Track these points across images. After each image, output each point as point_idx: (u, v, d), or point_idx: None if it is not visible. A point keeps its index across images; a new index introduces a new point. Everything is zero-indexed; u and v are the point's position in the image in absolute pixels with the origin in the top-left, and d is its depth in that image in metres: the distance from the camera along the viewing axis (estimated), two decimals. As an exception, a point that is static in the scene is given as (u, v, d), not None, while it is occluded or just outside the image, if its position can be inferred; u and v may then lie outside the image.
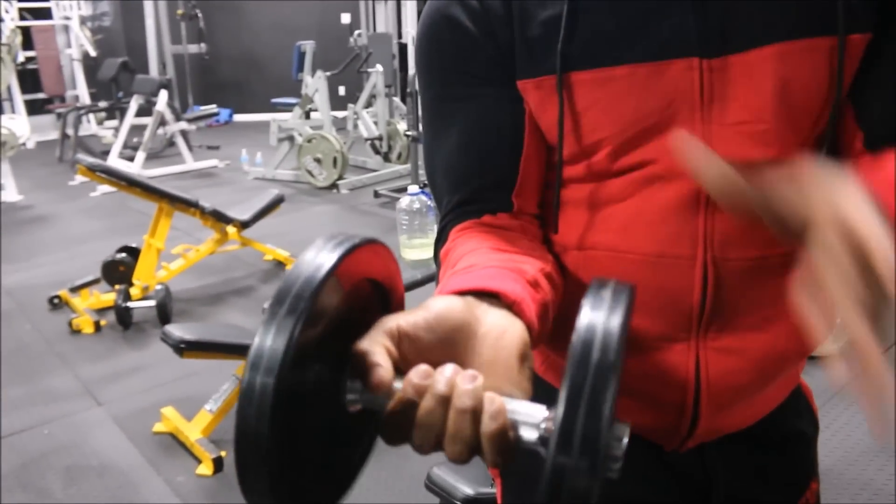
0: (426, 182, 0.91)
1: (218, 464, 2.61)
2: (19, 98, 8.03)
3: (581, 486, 0.40)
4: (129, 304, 3.85)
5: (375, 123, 7.50)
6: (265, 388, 0.42)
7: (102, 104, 8.99)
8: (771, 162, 0.63)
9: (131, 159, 7.47)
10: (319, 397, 0.49)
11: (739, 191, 0.64)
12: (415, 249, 4.64)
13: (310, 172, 6.91)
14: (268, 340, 0.43)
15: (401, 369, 0.51)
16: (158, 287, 3.92)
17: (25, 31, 8.99)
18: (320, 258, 0.47)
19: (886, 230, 0.54)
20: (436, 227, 0.86)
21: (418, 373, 0.50)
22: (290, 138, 7.27)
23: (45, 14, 9.87)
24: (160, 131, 8.03)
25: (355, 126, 7.69)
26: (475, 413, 0.49)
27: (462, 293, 0.59)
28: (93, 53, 9.60)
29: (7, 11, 8.54)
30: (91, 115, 9.64)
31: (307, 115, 7.42)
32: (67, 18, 9.81)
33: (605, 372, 0.42)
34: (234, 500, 2.48)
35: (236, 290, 4.49)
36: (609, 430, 0.41)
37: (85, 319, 3.86)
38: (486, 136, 0.81)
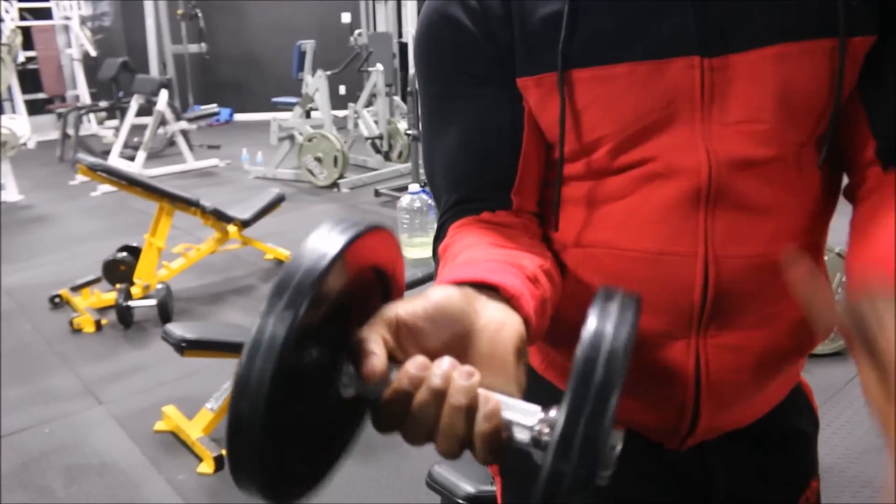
0: (427, 181, 0.91)
1: (219, 462, 2.61)
2: (20, 98, 8.02)
3: (575, 494, 0.40)
4: (130, 303, 3.85)
5: (376, 122, 7.50)
6: (262, 375, 0.42)
7: (103, 104, 8.98)
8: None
9: (132, 159, 7.47)
10: (314, 381, 0.49)
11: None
12: (416, 248, 4.64)
13: (310, 171, 6.91)
14: (268, 325, 0.43)
15: (398, 358, 0.51)
16: (159, 286, 3.93)
17: (26, 31, 8.99)
18: (325, 246, 0.47)
19: None
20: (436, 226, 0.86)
21: (415, 364, 0.50)
22: (291, 137, 7.27)
23: (46, 14, 9.87)
24: (161, 131, 8.03)
25: (356, 125, 7.69)
26: (469, 410, 0.49)
27: (461, 284, 0.59)
28: (93, 53, 9.60)
29: (7, 11, 8.53)
30: (91, 115, 9.64)
31: (308, 115, 7.41)
32: (68, 18, 9.80)
33: (608, 390, 0.42)
34: (235, 499, 2.48)
35: (237, 289, 4.49)
36: (608, 443, 0.41)
37: (86, 318, 3.87)
38: (486, 135, 0.81)
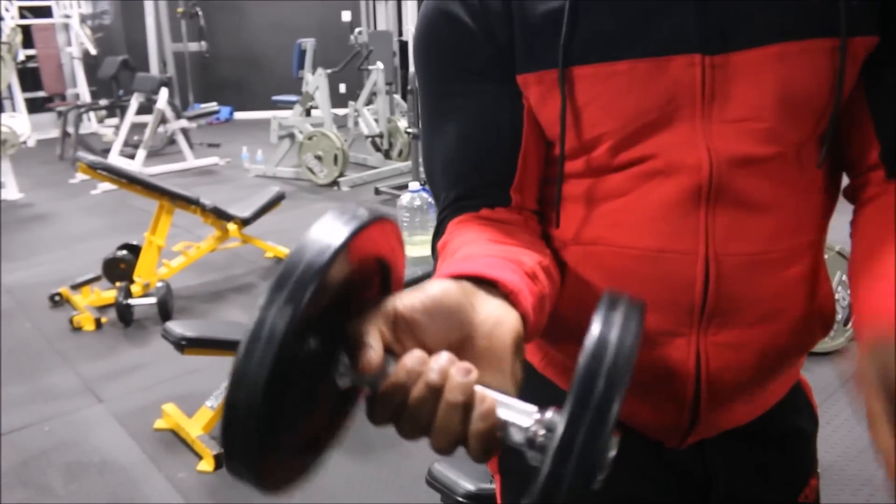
0: (426, 178, 0.91)
1: (219, 460, 2.61)
2: (20, 96, 8.02)
3: (571, 499, 0.40)
4: (130, 301, 3.85)
5: (376, 121, 7.50)
6: (260, 370, 0.42)
7: (103, 102, 8.97)
8: None
9: (132, 157, 7.47)
10: (310, 370, 0.48)
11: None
12: (416, 246, 4.63)
13: (310, 170, 6.91)
14: (268, 318, 0.43)
15: (395, 352, 0.51)
16: (159, 284, 3.93)
17: (26, 30, 8.98)
18: (328, 237, 0.46)
19: None
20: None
21: (413, 358, 0.50)
22: (291, 136, 7.27)
23: (46, 12, 9.87)
24: (161, 129, 8.03)
25: (356, 123, 7.69)
26: (465, 408, 0.49)
27: (459, 278, 0.59)
28: (93, 52, 9.59)
29: (7, 10, 8.53)
30: (92, 114, 9.63)
31: (308, 113, 7.41)
32: (68, 17, 9.80)
33: (609, 401, 0.41)
34: (235, 496, 2.48)
35: (237, 287, 4.49)
36: (606, 453, 0.41)
37: (86, 317, 3.87)
38: (485, 132, 0.81)
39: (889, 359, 0.57)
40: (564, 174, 0.81)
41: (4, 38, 7.10)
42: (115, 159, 7.20)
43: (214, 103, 9.20)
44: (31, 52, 9.46)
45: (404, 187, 5.10)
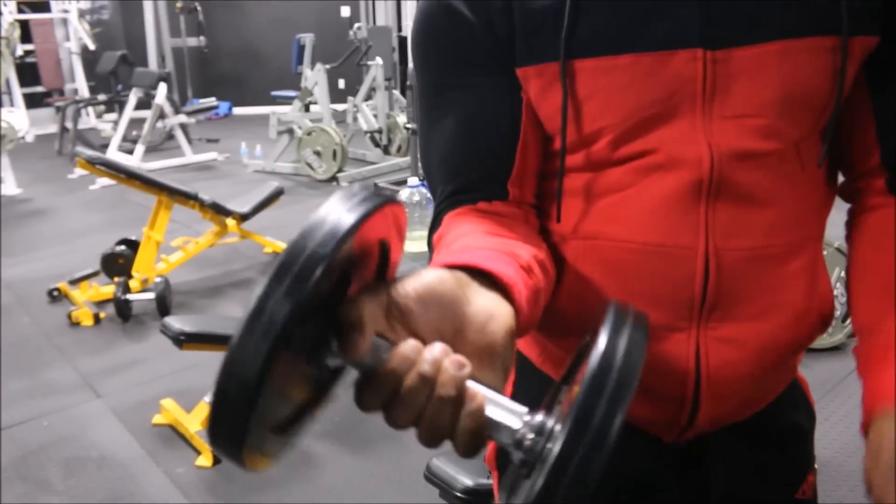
0: (423, 172, 0.91)
1: (217, 456, 2.61)
2: (18, 91, 8.01)
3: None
4: (129, 296, 3.84)
5: (375, 116, 7.49)
6: (254, 363, 0.41)
7: (101, 97, 8.95)
8: None
9: (130, 152, 7.46)
10: (300, 352, 0.47)
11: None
12: (415, 242, 4.64)
13: (309, 165, 6.90)
14: (270, 303, 0.42)
15: (387, 339, 0.51)
16: (158, 279, 3.92)
17: (24, 25, 8.97)
18: (335, 224, 0.45)
19: None
20: (435, 219, 0.86)
21: (407, 347, 0.49)
22: (290, 131, 7.26)
23: (44, 7, 9.85)
24: (159, 124, 8.02)
25: (355, 119, 7.69)
26: (456, 403, 0.48)
27: (454, 268, 0.58)
28: (91, 47, 9.57)
29: (5, 5, 8.51)
30: (90, 109, 9.62)
31: (307, 108, 7.41)
32: (66, 11, 9.78)
33: (610, 424, 0.41)
34: (234, 492, 2.49)
35: (235, 282, 4.49)
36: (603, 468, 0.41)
37: (84, 312, 3.87)
38: (483, 126, 0.81)
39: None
40: (565, 168, 0.81)
41: (3, 33, 7.08)
42: (113, 154, 7.19)
43: (213, 98, 9.18)
44: (29, 46, 9.45)
45: (403, 183, 5.10)
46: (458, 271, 0.57)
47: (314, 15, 10.64)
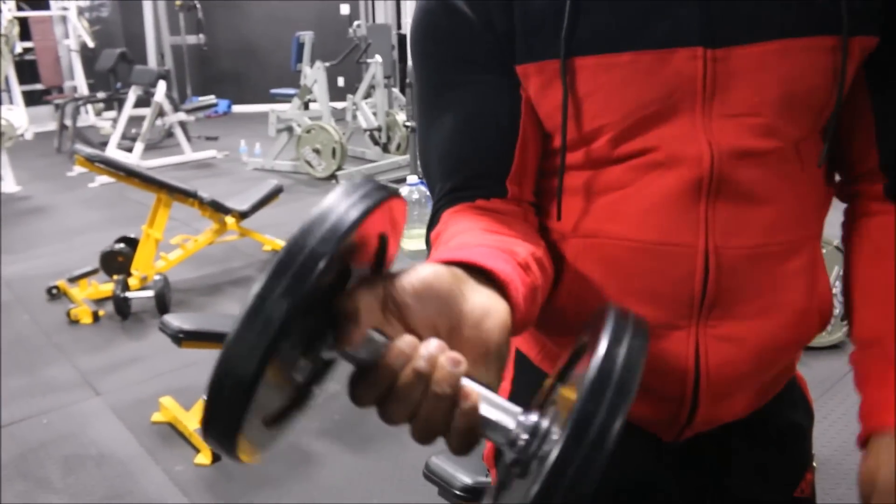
0: (422, 170, 0.91)
1: (216, 453, 2.61)
2: (17, 89, 8.01)
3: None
4: (128, 294, 3.84)
5: (374, 114, 7.48)
6: (248, 365, 0.41)
7: (101, 95, 8.95)
8: None
9: (130, 150, 7.45)
10: (295, 345, 0.47)
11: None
12: (414, 240, 4.64)
13: (308, 163, 6.90)
14: (268, 301, 0.42)
15: (383, 332, 0.50)
16: (157, 277, 3.92)
17: (23, 22, 8.95)
18: (337, 221, 0.44)
19: None
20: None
21: (403, 342, 0.49)
22: (289, 129, 7.25)
23: (43, 5, 9.83)
24: (158, 122, 8.01)
25: (354, 117, 7.68)
26: (450, 401, 0.48)
27: (451, 264, 0.58)
28: (91, 44, 9.56)
29: (5, 2, 8.49)
30: (89, 106, 9.62)
31: (306, 106, 7.40)
32: (65, 9, 9.77)
33: (608, 431, 0.40)
34: (233, 489, 2.49)
35: (235, 280, 4.49)
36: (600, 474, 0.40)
37: (83, 310, 3.86)
38: (482, 123, 0.81)
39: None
40: (565, 166, 0.81)
41: (2, 31, 7.07)
42: (112, 152, 7.19)
43: (212, 96, 9.17)
44: (28, 44, 9.43)
45: (402, 181, 5.09)
46: (455, 267, 0.57)
47: (313, 13, 10.63)
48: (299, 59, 7.87)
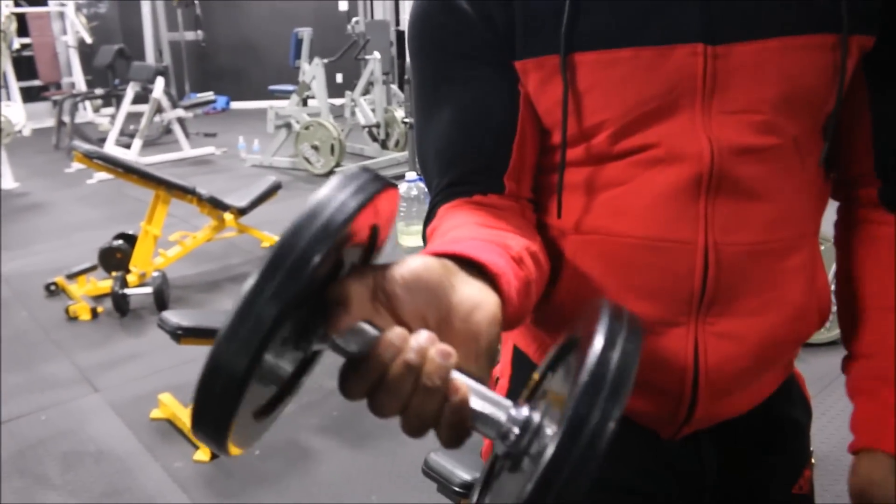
0: (419, 166, 0.90)
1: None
2: (15, 85, 7.98)
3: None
4: (126, 291, 3.84)
5: (373, 111, 7.48)
6: (237, 366, 0.41)
7: (99, 91, 8.93)
8: None
9: (128, 146, 7.44)
10: (284, 339, 0.46)
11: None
12: (412, 236, 4.63)
13: (307, 160, 6.89)
14: (260, 301, 0.41)
15: (373, 324, 0.50)
16: (155, 274, 3.92)
17: (20, 18, 8.92)
18: (329, 216, 0.44)
19: None
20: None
21: (393, 334, 0.48)
22: (288, 125, 7.25)
23: (41, 1, 9.81)
24: (157, 119, 8.00)
25: (353, 113, 7.67)
26: (440, 394, 0.47)
27: (443, 257, 0.57)
28: (88, 40, 9.53)
29: (2, -2, 8.49)
30: (87, 103, 9.58)
31: (304, 103, 7.39)
32: (63, 5, 9.74)
33: (602, 433, 0.40)
34: (232, 486, 2.49)
35: (233, 276, 4.49)
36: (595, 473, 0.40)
37: (82, 306, 3.86)
38: (479, 118, 0.81)
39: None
40: (565, 162, 0.81)
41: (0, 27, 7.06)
42: (110, 149, 7.18)
43: (211, 93, 9.16)
44: (26, 40, 9.40)
45: (401, 177, 5.09)
46: (447, 260, 0.56)
47: (312, 9, 10.61)
48: (298, 56, 7.85)
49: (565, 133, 0.78)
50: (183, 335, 2.48)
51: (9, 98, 7.97)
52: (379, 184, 0.48)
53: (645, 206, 0.77)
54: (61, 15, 9.92)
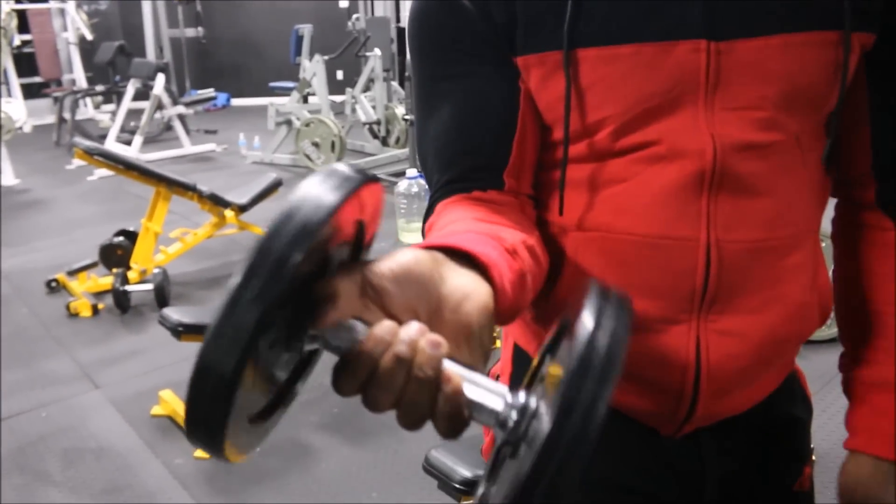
0: (419, 163, 0.90)
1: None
2: (15, 82, 7.98)
3: (555, 491, 0.40)
4: (127, 287, 3.85)
5: (373, 108, 7.47)
6: (225, 367, 0.41)
7: (99, 88, 8.93)
8: None
9: (129, 143, 7.44)
10: (274, 341, 0.46)
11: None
12: (413, 233, 4.64)
13: (308, 156, 6.89)
14: (235, 314, 0.41)
15: (363, 319, 0.49)
16: (156, 271, 3.92)
17: (21, 15, 8.92)
18: (311, 212, 0.44)
19: None
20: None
21: (382, 328, 0.48)
22: (288, 122, 7.24)
23: (41, -3, 9.82)
24: (157, 115, 8.00)
25: (353, 110, 7.66)
26: (433, 384, 0.47)
27: (434, 249, 0.57)
28: (89, 37, 9.53)
29: (3, -5, 8.48)
30: (88, 99, 9.60)
31: (305, 100, 7.39)
32: (63, 1, 9.73)
33: (594, 417, 0.40)
34: (232, 483, 2.49)
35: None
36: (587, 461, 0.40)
37: (82, 303, 3.87)
38: (479, 115, 0.81)
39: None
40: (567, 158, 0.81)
41: (0, 23, 7.05)
42: (111, 145, 7.18)
43: (211, 89, 9.15)
44: (26, 37, 9.40)
45: (402, 174, 5.09)
46: (437, 252, 0.56)
47: (312, 5, 10.61)
48: (298, 53, 7.85)
49: (567, 130, 0.78)
50: (183, 332, 2.48)
51: (9, 94, 7.96)
52: (358, 179, 0.48)
53: (647, 204, 0.77)
54: (62, 11, 9.91)
